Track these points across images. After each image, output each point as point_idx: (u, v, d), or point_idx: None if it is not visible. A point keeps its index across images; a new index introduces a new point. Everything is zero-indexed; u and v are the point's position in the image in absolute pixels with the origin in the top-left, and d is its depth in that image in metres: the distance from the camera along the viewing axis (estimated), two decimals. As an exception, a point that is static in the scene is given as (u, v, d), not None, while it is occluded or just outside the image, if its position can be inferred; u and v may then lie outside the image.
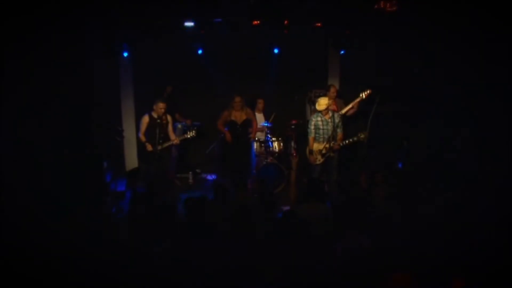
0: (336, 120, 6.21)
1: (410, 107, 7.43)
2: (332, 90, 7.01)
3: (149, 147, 6.23)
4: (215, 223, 3.96)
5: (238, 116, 6.74)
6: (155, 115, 6.35)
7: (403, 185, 5.92)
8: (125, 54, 7.57)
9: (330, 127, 6.23)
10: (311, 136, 6.32)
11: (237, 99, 6.62)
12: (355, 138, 6.10)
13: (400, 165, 7.23)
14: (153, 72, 7.85)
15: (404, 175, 6.89)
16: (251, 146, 7.07)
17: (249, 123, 6.83)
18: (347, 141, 6.21)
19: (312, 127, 6.32)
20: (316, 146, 6.32)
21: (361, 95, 6.68)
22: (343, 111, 6.86)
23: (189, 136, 6.49)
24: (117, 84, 7.92)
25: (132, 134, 7.88)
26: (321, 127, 6.31)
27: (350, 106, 6.75)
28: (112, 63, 7.56)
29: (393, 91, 7.24)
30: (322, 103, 6.27)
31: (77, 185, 5.34)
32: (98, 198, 5.98)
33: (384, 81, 7.22)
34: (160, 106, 6.28)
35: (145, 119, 6.35)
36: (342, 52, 7.91)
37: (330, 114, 6.28)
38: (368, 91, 6.65)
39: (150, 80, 7.86)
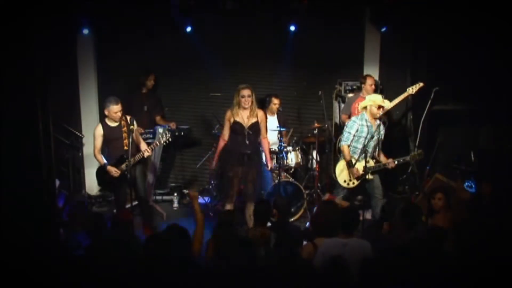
0: (382, 132, 5.61)
1: (480, 105, 6.55)
2: (369, 81, 6.42)
3: (113, 172, 5.44)
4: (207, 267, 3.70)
5: (245, 116, 5.60)
6: (111, 123, 5.54)
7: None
8: (85, 32, 6.93)
9: (375, 139, 5.54)
10: (346, 143, 5.55)
11: (246, 91, 5.51)
12: (407, 158, 5.54)
13: (471, 187, 6.24)
14: (125, 57, 7.22)
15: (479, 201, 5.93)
16: (261, 162, 6.04)
17: (258, 129, 5.73)
18: (396, 162, 5.60)
19: (353, 131, 5.52)
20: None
21: (409, 89, 6.13)
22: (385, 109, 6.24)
23: (162, 141, 5.67)
24: (74, 74, 7.28)
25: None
26: (364, 135, 5.53)
27: (394, 103, 6.20)
28: (66, 44, 6.92)
29: (455, 84, 6.57)
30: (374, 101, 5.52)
31: (17, 212, 4.69)
32: (48, 230, 5.13)
33: (441, 70, 6.61)
34: (114, 110, 5.46)
35: (98, 130, 5.56)
36: (383, 29, 7.16)
37: (377, 122, 5.61)
38: (419, 85, 6.09)
39: (120, 69, 7.29)
